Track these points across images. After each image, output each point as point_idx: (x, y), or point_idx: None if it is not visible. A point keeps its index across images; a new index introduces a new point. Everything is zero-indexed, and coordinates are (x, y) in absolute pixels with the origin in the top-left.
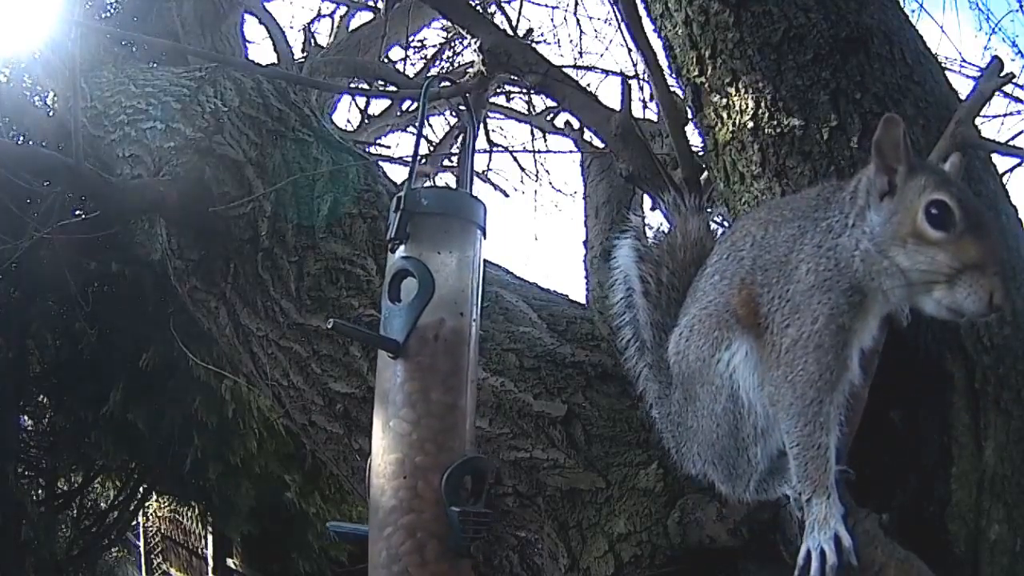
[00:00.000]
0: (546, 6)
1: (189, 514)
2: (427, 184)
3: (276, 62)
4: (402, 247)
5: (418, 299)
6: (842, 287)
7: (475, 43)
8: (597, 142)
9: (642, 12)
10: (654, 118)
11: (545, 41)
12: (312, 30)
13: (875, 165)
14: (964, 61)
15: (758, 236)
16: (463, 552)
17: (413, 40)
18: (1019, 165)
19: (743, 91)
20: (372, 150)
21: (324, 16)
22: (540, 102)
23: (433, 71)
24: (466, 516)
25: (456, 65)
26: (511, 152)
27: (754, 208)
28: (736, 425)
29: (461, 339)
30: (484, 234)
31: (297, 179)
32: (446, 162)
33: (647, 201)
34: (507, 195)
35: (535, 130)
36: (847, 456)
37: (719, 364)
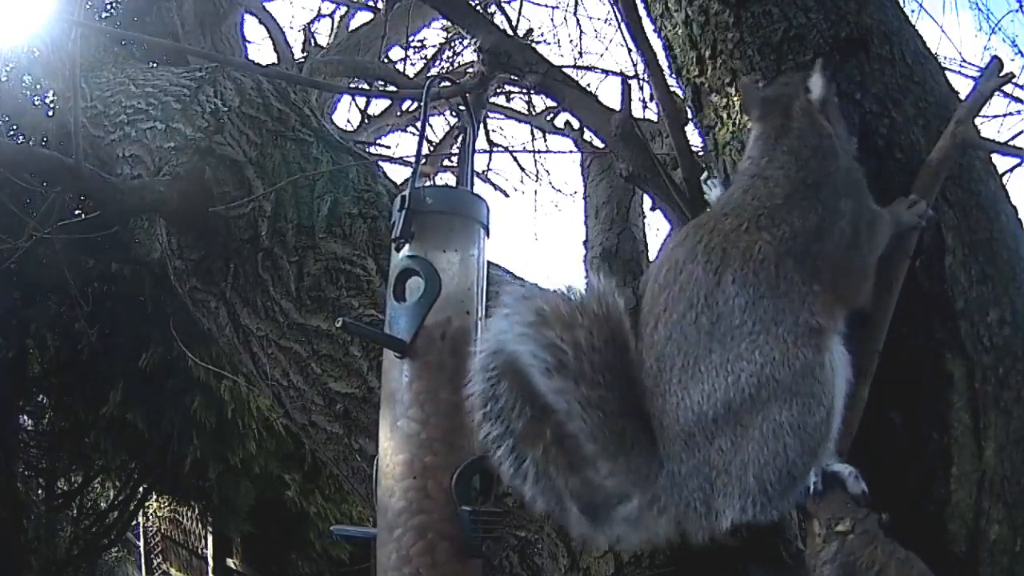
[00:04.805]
0: (546, 6)
1: (189, 514)
2: (427, 184)
3: (276, 62)
4: (406, 246)
5: (424, 298)
6: None
7: (475, 43)
8: (597, 142)
9: (642, 12)
10: (654, 118)
11: (545, 41)
12: (312, 30)
13: None
14: (964, 61)
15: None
16: (475, 552)
17: (413, 40)
18: (1019, 165)
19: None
20: (372, 150)
21: (324, 16)
22: (540, 102)
23: (433, 71)
24: (477, 515)
25: (456, 65)
26: (511, 152)
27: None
28: (826, 431)
29: (468, 338)
30: (487, 232)
31: (297, 179)
32: (446, 162)
33: (647, 201)
34: (507, 195)
35: (535, 130)
36: (847, 456)
37: (821, 370)
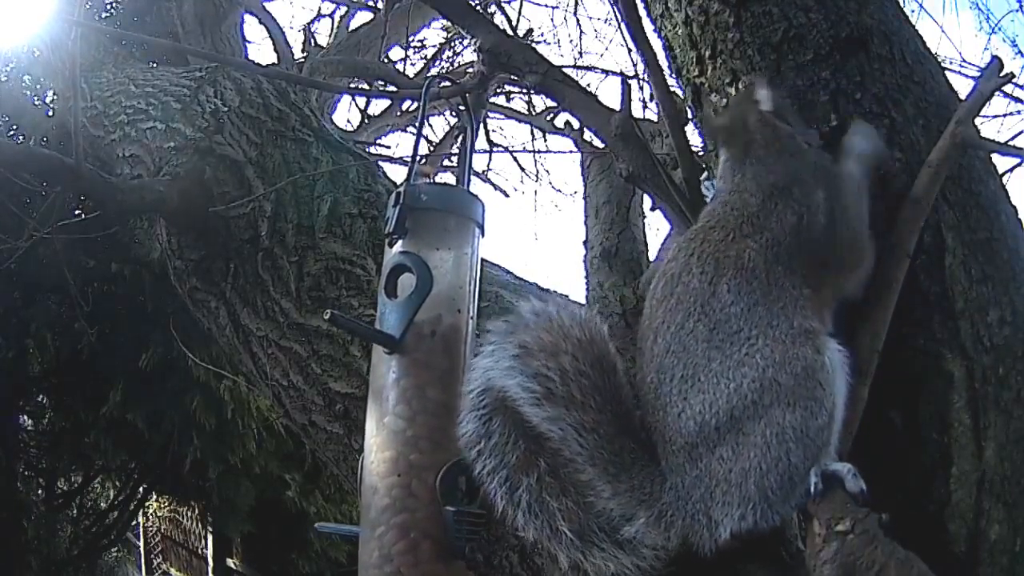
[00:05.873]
0: (546, 6)
1: (189, 514)
2: (424, 182)
3: (276, 62)
4: (400, 242)
5: (416, 295)
6: None
7: (475, 43)
8: (597, 142)
9: (642, 12)
10: (654, 118)
11: (545, 41)
12: (312, 30)
13: None
14: (964, 61)
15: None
16: (458, 553)
17: (413, 40)
18: (1019, 165)
19: (743, 91)
20: (372, 150)
21: (324, 16)
22: (540, 102)
23: (433, 71)
24: (461, 516)
25: (456, 65)
26: (511, 152)
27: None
28: (828, 434)
29: (458, 336)
30: (482, 232)
31: (297, 179)
32: (446, 162)
33: (647, 201)
34: (507, 195)
35: (535, 130)
36: (847, 457)
37: (822, 371)
